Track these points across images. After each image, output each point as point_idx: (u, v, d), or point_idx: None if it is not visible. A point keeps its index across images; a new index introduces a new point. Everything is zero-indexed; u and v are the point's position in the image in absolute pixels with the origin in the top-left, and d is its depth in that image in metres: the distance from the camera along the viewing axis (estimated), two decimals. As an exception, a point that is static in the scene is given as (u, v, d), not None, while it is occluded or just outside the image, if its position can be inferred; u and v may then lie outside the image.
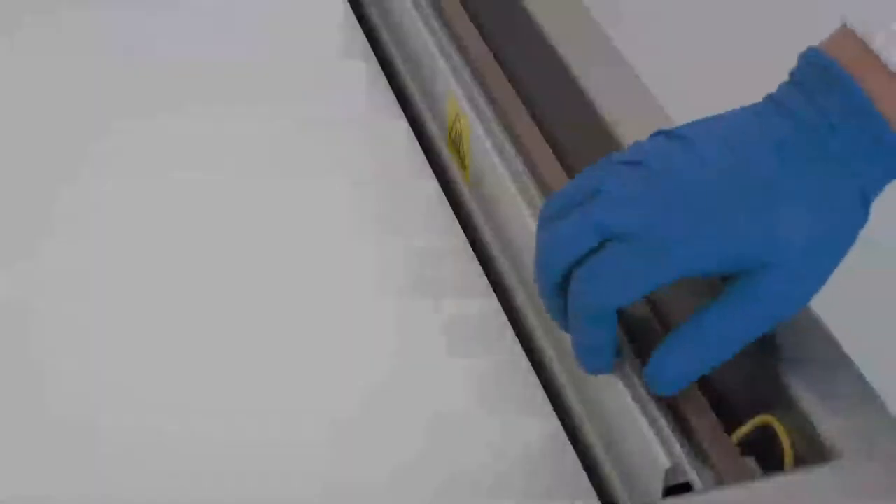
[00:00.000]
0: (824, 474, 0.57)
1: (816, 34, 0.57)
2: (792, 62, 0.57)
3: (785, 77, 0.58)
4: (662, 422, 0.60)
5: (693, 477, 0.59)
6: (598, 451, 0.64)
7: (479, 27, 0.86)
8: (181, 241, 0.76)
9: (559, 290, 0.57)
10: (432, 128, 0.87)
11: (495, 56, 0.83)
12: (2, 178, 0.79)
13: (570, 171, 0.74)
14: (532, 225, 0.70)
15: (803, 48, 0.57)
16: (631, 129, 0.73)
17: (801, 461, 0.58)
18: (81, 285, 0.72)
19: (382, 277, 0.74)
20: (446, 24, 0.87)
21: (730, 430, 0.61)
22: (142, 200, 0.78)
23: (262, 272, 0.74)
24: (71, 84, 0.86)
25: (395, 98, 0.89)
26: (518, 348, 0.70)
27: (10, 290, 0.71)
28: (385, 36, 0.95)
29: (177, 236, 0.76)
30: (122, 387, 0.66)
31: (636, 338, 0.63)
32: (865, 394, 0.60)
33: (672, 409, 0.60)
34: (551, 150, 0.76)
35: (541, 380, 0.68)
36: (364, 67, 0.90)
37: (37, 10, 0.93)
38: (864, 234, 0.56)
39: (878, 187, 0.56)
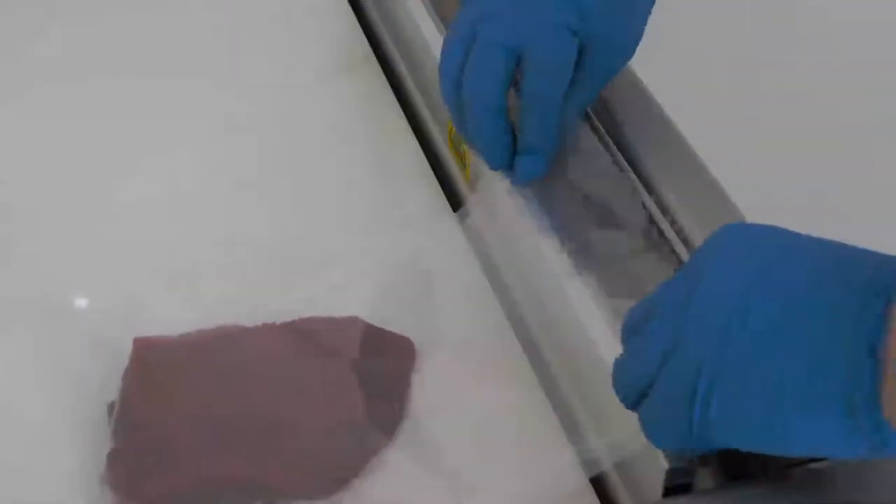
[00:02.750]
0: (824, 474, 0.57)
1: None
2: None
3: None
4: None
5: (693, 477, 0.58)
6: (599, 451, 0.64)
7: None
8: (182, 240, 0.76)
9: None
10: (432, 128, 0.87)
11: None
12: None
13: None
14: (531, 224, 0.70)
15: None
16: (631, 130, 0.73)
17: (800, 461, 0.58)
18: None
19: (381, 276, 0.74)
20: (447, 25, 0.87)
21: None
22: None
23: (262, 271, 0.74)
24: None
25: (395, 98, 0.89)
26: (518, 348, 0.70)
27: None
28: (386, 36, 0.95)
29: (177, 234, 0.77)
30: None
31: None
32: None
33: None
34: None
35: (542, 381, 0.68)
36: (365, 68, 0.91)
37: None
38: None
39: None
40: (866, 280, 0.47)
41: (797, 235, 0.51)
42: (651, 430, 0.53)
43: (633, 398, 0.54)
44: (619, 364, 0.55)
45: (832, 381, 0.46)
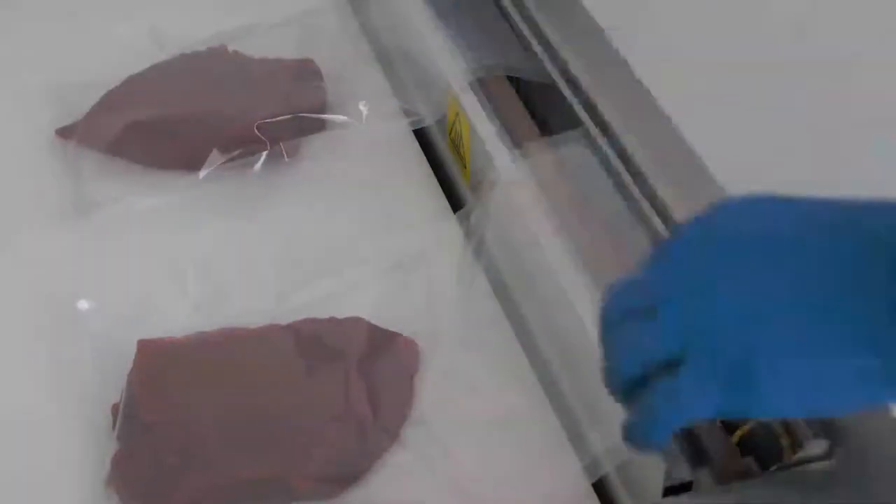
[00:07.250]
0: (823, 474, 0.57)
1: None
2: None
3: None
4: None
5: (693, 477, 0.59)
6: (599, 451, 0.64)
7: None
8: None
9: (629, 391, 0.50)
10: (433, 128, 0.87)
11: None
12: None
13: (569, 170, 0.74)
14: (531, 225, 0.71)
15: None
16: (630, 129, 0.73)
17: (800, 461, 0.58)
18: None
19: (384, 278, 0.74)
20: (446, 24, 0.87)
21: (730, 430, 0.61)
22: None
23: (265, 273, 0.75)
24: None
25: (395, 98, 0.89)
26: (518, 349, 0.71)
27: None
28: (386, 37, 0.95)
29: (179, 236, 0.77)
30: None
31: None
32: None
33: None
34: (551, 150, 0.76)
35: (542, 383, 0.69)
36: (366, 68, 0.91)
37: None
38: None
39: None
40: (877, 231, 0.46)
41: (799, 201, 0.48)
42: (662, 413, 0.48)
43: (630, 387, 0.49)
44: (620, 350, 0.50)
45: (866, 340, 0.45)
